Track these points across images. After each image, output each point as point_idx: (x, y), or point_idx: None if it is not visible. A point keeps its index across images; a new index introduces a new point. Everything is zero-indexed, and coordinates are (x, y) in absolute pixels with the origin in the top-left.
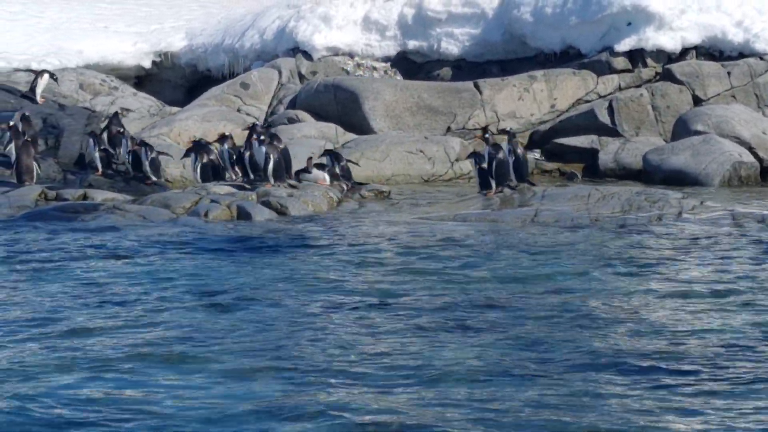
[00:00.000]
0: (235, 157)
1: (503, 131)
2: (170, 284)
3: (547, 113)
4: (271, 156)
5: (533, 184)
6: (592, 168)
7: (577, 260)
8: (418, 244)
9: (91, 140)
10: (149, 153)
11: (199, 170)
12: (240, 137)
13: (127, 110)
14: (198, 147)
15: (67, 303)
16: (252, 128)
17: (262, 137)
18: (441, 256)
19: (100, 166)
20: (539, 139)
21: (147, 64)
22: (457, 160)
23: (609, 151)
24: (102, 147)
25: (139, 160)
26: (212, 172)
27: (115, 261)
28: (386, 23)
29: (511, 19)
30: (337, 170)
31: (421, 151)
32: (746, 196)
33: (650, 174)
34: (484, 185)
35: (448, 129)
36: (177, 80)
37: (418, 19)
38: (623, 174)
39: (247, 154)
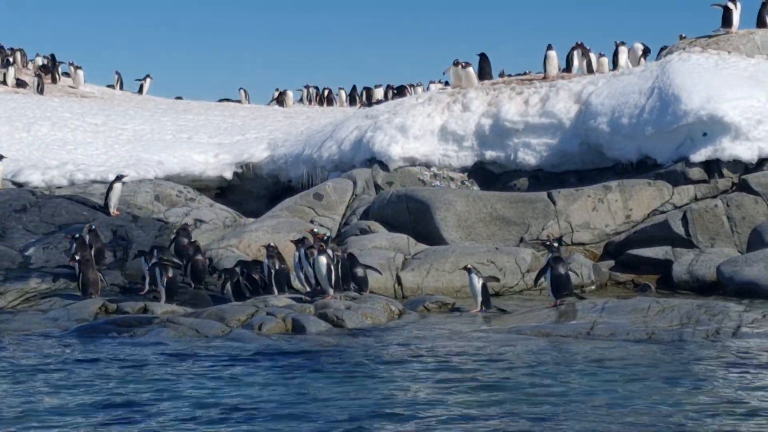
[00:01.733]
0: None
1: (578, 243)
2: (188, 401)
3: (621, 224)
4: (331, 267)
5: (581, 297)
6: (666, 280)
7: (620, 374)
8: (464, 358)
9: (143, 258)
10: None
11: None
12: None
13: (201, 221)
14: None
15: (81, 418)
16: (301, 241)
17: (316, 247)
18: (483, 370)
19: (146, 284)
20: (614, 250)
21: (229, 175)
22: (528, 271)
23: (683, 263)
24: (154, 262)
25: (199, 271)
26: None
27: (140, 374)
28: (463, 133)
29: (587, 129)
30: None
31: (492, 263)
32: None
33: (724, 286)
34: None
35: (521, 240)
36: (259, 191)
37: (495, 129)
38: (697, 286)
39: (305, 265)
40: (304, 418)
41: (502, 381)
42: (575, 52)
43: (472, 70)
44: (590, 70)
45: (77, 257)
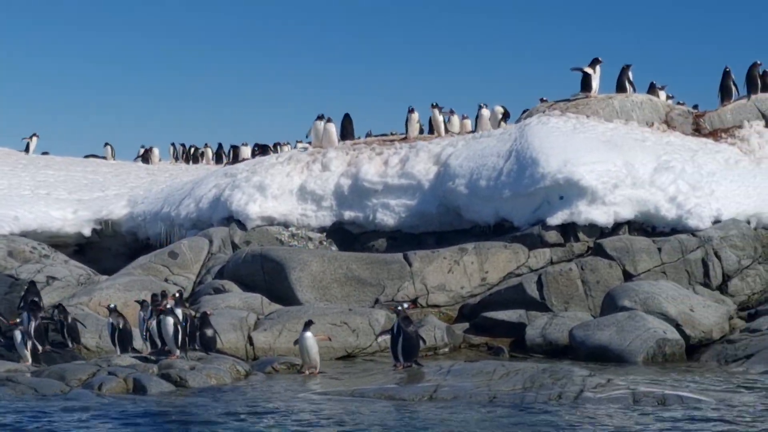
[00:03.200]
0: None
1: (433, 305)
2: None
3: (477, 286)
4: (178, 326)
5: (420, 365)
6: (520, 343)
7: None
8: (303, 420)
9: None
10: (65, 319)
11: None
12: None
13: (54, 278)
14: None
15: None
16: (144, 302)
17: (166, 306)
18: None
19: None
20: (469, 312)
21: (87, 231)
22: (381, 332)
23: (536, 326)
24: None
25: (47, 329)
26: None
27: None
28: (322, 193)
29: (446, 191)
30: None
31: (345, 323)
32: (671, 373)
33: (576, 350)
34: (396, 358)
35: (377, 301)
36: (118, 248)
37: (355, 189)
38: (550, 349)
39: (152, 323)
40: None
41: None
42: (435, 111)
43: (333, 127)
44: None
45: None
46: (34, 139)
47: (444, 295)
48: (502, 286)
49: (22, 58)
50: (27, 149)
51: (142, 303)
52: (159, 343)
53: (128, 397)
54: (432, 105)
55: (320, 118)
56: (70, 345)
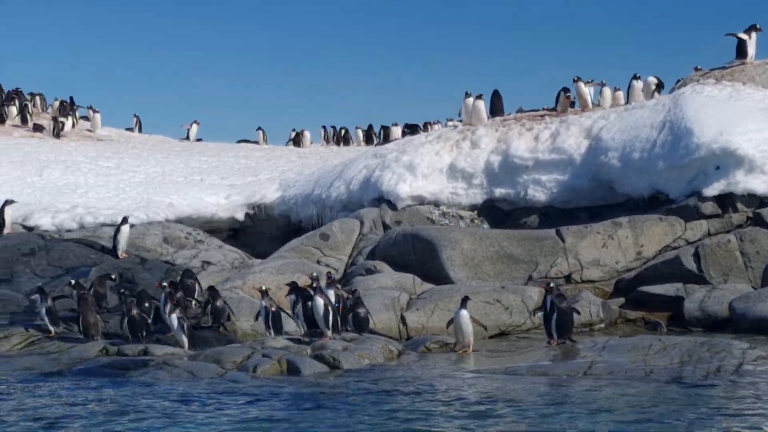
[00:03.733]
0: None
1: (587, 280)
2: None
3: (632, 260)
4: (329, 308)
5: (573, 341)
6: (677, 317)
7: (614, 415)
8: (458, 397)
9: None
10: (213, 301)
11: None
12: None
13: (208, 263)
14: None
15: None
16: (295, 284)
17: (317, 286)
18: (473, 408)
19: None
20: (624, 287)
21: (240, 216)
22: (535, 309)
23: (694, 299)
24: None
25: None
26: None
27: (122, 418)
28: (472, 171)
29: (598, 165)
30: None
31: (498, 301)
32: None
33: (736, 323)
34: (549, 335)
35: (530, 278)
36: (271, 232)
37: (505, 166)
38: (709, 323)
39: (302, 306)
40: None
41: (496, 420)
42: (579, 85)
43: (481, 104)
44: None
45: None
46: (194, 126)
47: (598, 271)
48: (658, 260)
49: (176, 49)
50: (187, 136)
51: (291, 285)
52: (305, 327)
53: (282, 379)
54: (575, 79)
55: (469, 95)
56: (217, 326)
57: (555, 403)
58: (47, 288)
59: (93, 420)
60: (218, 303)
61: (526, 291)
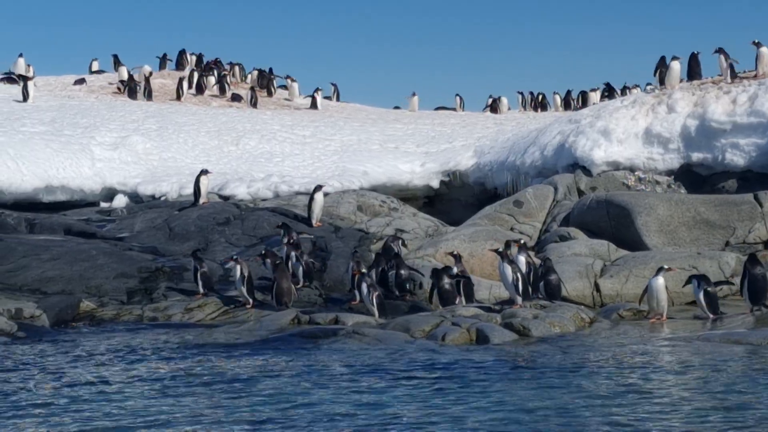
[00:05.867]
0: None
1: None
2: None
3: None
4: (518, 276)
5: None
6: None
7: None
8: (651, 368)
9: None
10: (399, 270)
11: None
12: None
13: (402, 231)
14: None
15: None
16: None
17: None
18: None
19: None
20: None
21: (435, 183)
22: (732, 276)
23: None
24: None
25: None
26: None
27: (307, 385)
28: (669, 136)
29: None
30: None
31: (694, 267)
32: None
33: None
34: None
35: (727, 243)
36: (467, 199)
37: (702, 130)
38: None
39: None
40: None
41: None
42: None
43: (677, 66)
44: None
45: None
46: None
47: None
48: None
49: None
50: (314, 104)
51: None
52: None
53: (471, 348)
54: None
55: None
56: (403, 295)
57: (750, 371)
58: (243, 257)
59: (282, 388)
60: (403, 271)
61: (722, 257)
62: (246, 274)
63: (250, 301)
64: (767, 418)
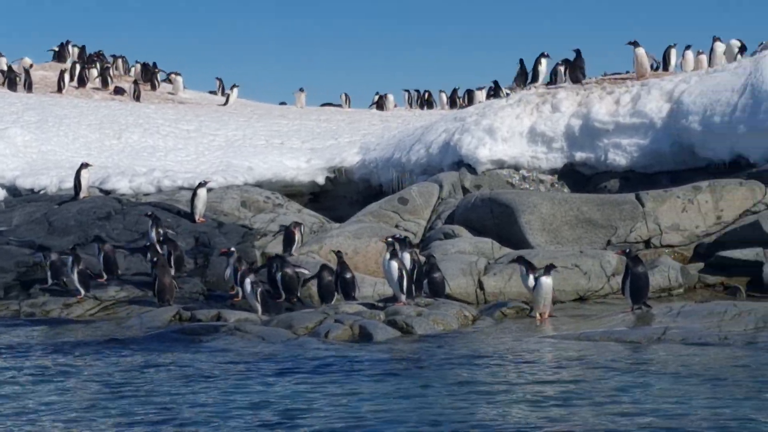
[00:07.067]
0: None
1: (667, 245)
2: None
3: (712, 225)
4: (403, 272)
5: (649, 306)
6: (757, 282)
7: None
8: (530, 365)
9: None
10: (284, 270)
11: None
12: None
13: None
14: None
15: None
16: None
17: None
18: (547, 376)
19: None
20: (704, 252)
21: (321, 180)
22: (613, 275)
23: None
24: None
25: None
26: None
27: (186, 383)
28: (553, 135)
29: (679, 129)
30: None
31: (577, 266)
32: None
33: None
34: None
35: (609, 242)
36: (352, 195)
37: (585, 130)
38: None
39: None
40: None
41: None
42: (672, 51)
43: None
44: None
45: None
46: (234, 90)
47: (678, 235)
48: (738, 225)
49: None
50: (227, 101)
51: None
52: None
53: (355, 345)
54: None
55: (544, 56)
56: (290, 298)
57: (630, 369)
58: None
59: (160, 385)
60: (288, 270)
61: (604, 256)
62: (80, 266)
63: (82, 292)
64: (633, 413)
